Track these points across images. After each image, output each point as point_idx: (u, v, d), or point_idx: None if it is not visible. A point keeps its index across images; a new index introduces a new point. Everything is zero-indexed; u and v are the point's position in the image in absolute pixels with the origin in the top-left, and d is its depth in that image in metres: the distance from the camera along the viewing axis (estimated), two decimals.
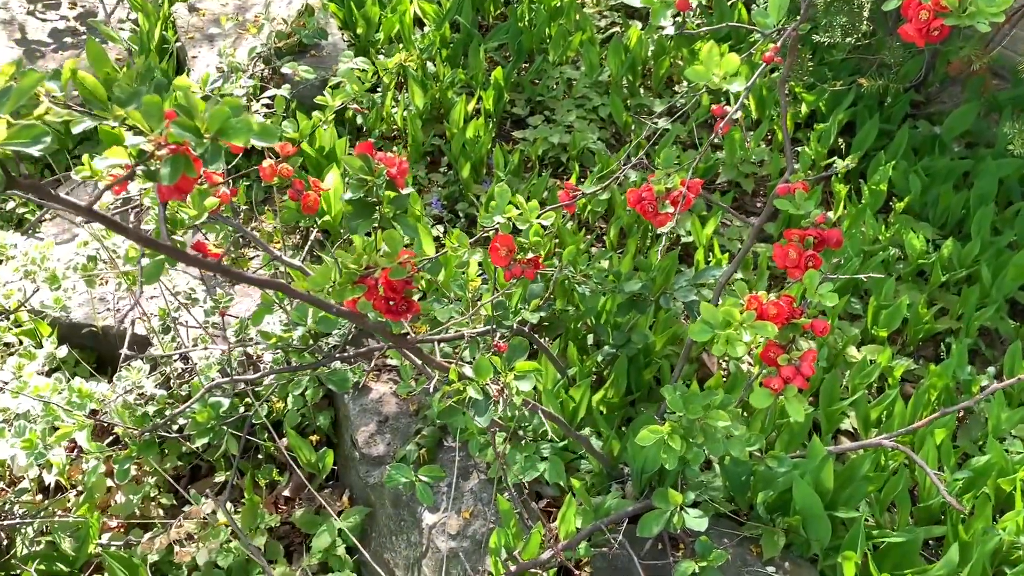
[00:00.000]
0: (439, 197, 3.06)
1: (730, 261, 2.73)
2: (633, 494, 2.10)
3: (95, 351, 2.78)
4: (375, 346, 2.15)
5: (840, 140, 3.34)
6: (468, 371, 1.67)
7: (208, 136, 1.02)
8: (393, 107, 3.42)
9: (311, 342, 2.00)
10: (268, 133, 1.03)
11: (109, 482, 2.41)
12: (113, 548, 2.21)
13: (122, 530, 2.36)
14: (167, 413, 2.00)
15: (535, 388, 2.26)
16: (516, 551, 1.96)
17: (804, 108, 3.48)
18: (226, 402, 2.10)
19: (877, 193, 2.99)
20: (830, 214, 3.11)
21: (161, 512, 2.37)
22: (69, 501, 2.35)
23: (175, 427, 2.30)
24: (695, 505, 2.02)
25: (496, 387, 1.67)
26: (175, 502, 2.41)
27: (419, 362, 2.16)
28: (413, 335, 2.38)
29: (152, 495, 2.39)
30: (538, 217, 1.64)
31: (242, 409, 2.42)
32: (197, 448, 2.36)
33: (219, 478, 2.46)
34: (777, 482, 2.01)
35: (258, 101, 2.78)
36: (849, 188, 3.09)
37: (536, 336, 2.09)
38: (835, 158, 3.21)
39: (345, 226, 2.88)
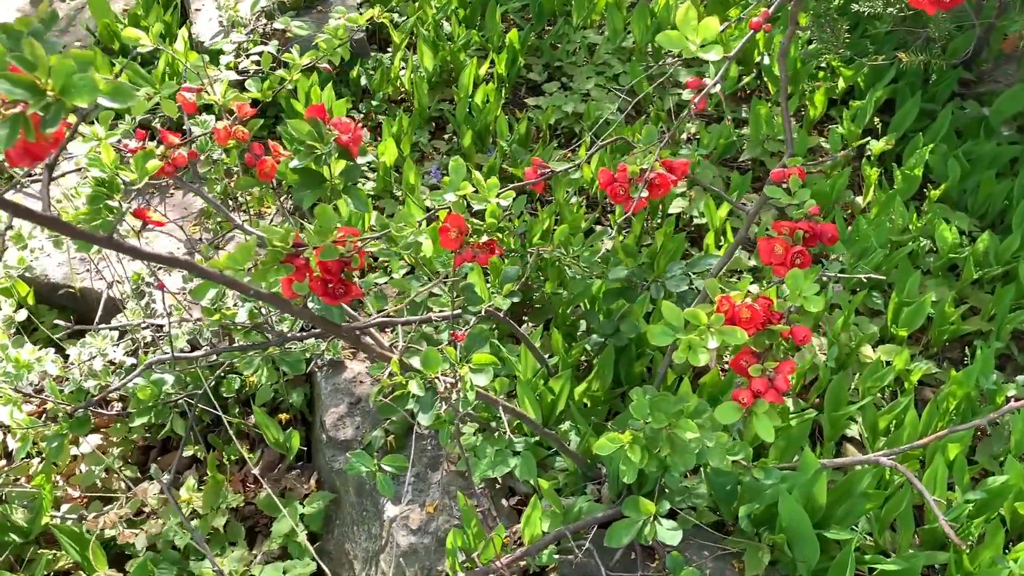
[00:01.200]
0: (439, 166, 2.90)
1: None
2: (609, 497, 1.95)
3: (75, 313, 2.69)
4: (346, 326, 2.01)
5: (877, 120, 3.09)
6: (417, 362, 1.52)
7: (52, 94, 0.88)
8: (402, 69, 3.26)
9: (260, 319, 1.87)
10: (120, 94, 0.88)
11: (75, 450, 2.33)
12: (66, 521, 2.12)
13: (83, 502, 2.28)
14: (115, 384, 1.89)
15: (515, 377, 2.12)
16: (475, 553, 1.82)
17: (841, 83, 3.24)
18: (170, 379, 1.98)
19: (911, 178, 2.75)
20: (859, 200, 2.90)
21: (123, 485, 2.28)
22: (31, 468, 2.27)
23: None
24: (673, 515, 1.86)
25: (449, 380, 1.52)
26: (139, 475, 2.32)
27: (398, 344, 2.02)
28: (369, 316, 2.24)
29: (117, 467, 2.30)
30: (498, 196, 1.48)
31: (213, 382, 2.31)
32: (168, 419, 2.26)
33: (187, 452, 2.35)
34: (764, 494, 1.84)
35: (248, 57, 2.63)
36: (881, 172, 2.86)
37: (511, 322, 1.93)
38: (869, 139, 2.99)
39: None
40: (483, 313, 1.77)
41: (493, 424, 2.03)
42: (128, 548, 2.13)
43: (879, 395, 2.27)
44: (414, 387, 1.45)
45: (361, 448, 2.13)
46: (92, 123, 1.78)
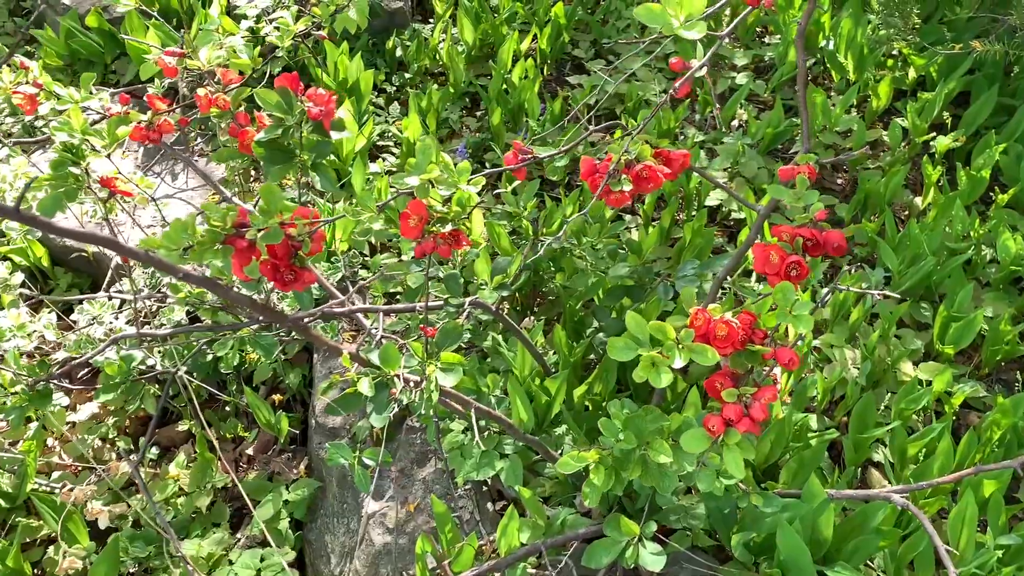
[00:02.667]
0: (466, 144, 2.77)
1: None
2: (599, 511, 1.81)
3: (90, 276, 2.66)
4: (327, 309, 1.90)
5: (947, 115, 2.84)
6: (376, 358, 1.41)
7: None
8: (441, 41, 3.14)
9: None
10: None
11: (73, 417, 2.30)
12: (53, 492, 2.09)
13: (75, 471, 2.24)
14: (83, 354, 1.83)
15: (511, 372, 1.99)
16: (446, 561, 1.71)
17: (911, 73, 2.98)
18: (139, 355, 1.91)
19: (977, 180, 2.50)
20: (917, 200, 2.66)
21: (114, 456, 2.24)
22: (26, 432, 2.25)
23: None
24: (665, 536, 1.72)
25: (413, 379, 1.41)
26: (133, 446, 2.27)
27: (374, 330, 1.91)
28: (374, 299, 2.13)
29: (111, 437, 2.27)
30: (468, 182, 1.34)
31: (208, 357, 2.25)
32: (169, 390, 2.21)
33: (183, 426, 2.30)
34: (764, 522, 1.67)
35: (270, 23, 2.54)
36: (944, 172, 2.61)
37: (503, 315, 1.80)
38: (935, 134, 2.74)
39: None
40: (466, 306, 1.64)
41: (483, 423, 1.91)
42: (114, 522, 2.09)
43: (916, 418, 2.06)
44: (364, 386, 1.33)
45: (348, 437, 2.04)
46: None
